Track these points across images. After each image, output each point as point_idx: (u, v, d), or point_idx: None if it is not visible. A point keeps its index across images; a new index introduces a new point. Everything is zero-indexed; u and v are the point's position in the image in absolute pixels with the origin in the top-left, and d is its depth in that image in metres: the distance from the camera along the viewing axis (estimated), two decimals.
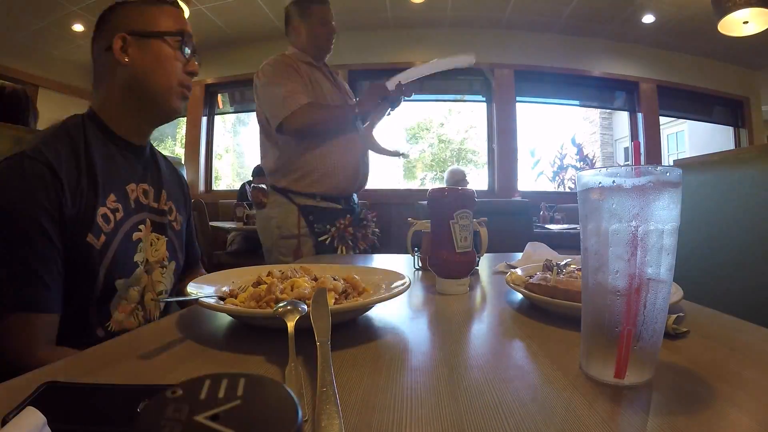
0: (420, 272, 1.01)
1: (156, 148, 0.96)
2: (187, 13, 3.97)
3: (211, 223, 3.74)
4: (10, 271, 0.65)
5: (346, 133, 1.59)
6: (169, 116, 0.86)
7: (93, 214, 0.72)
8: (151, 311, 0.85)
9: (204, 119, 5.37)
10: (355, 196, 1.72)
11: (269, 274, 0.67)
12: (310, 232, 1.54)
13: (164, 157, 0.98)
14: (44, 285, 0.66)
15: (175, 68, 0.83)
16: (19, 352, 0.64)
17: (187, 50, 0.84)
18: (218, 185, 5.73)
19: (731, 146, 5.04)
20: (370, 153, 1.69)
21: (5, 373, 0.40)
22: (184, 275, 1.02)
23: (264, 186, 1.71)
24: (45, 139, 0.72)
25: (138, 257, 0.80)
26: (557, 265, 0.74)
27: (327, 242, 1.54)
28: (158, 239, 0.86)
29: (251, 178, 4.33)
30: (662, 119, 5.19)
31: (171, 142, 7.36)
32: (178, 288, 0.93)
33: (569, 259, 0.80)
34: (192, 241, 1.04)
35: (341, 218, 1.58)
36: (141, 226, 0.82)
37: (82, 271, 0.71)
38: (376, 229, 1.71)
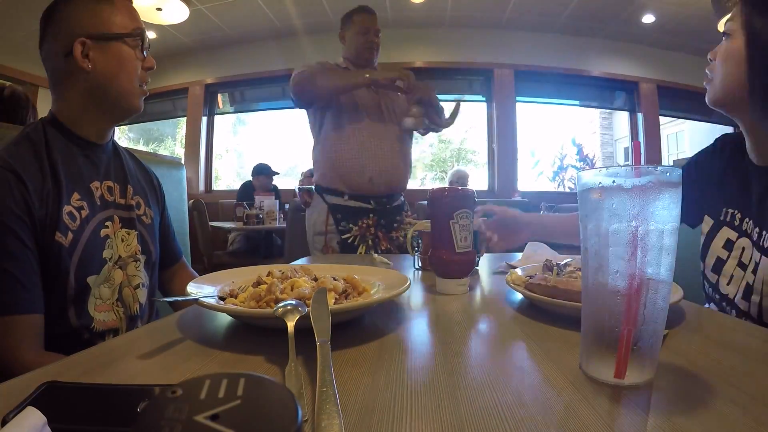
0: (420, 272, 1.01)
1: (118, 143, 0.95)
2: (186, 14, 3.99)
3: (211, 223, 3.74)
4: None
5: (377, 135, 1.61)
6: (131, 115, 0.86)
7: (59, 213, 0.73)
8: (131, 305, 0.85)
9: (204, 119, 5.37)
10: (400, 197, 1.74)
11: (269, 274, 0.67)
12: (336, 229, 1.62)
13: (130, 153, 0.98)
14: (22, 286, 0.67)
15: (137, 69, 0.83)
16: (4, 355, 0.64)
17: (141, 48, 0.84)
18: (218, 185, 5.73)
19: None
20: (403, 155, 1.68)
21: (3, 375, 0.40)
22: (168, 272, 1.02)
23: (312, 187, 1.76)
24: (8, 147, 0.74)
25: (106, 254, 0.81)
26: (557, 265, 0.74)
27: (349, 241, 1.59)
28: (129, 234, 0.87)
29: (251, 178, 4.34)
30: (662, 119, 5.20)
31: (171, 142, 7.36)
32: (152, 283, 0.94)
33: (569, 259, 0.80)
34: (169, 235, 1.04)
35: (365, 218, 1.61)
36: (108, 223, 0.82)
37: (54, 270, 0.72)
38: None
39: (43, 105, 3.70)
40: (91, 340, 0.77)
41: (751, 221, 0.77)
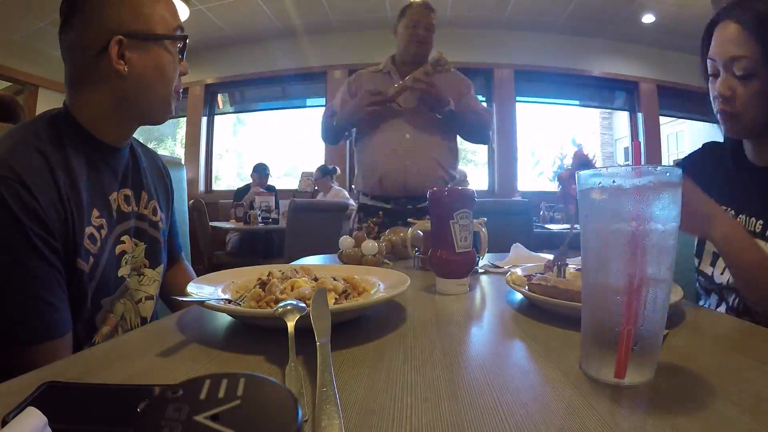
0: (420, 272, 1.01)
1: (137, 140, 0.88)
2: (186, 13, 3.98)
3: (211, 223, 3.74)
4: (20, 304, 0.60)
5: (387, 137, 1.62)
6: (163, 121, 0.80)
7: (81, 237, 0.66)
8: (131, 321, 0.80)
9: (204, 119, 5.37)
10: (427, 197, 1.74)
11: (269, 274, 0.67)
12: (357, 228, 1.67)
13: (143, 147, 0.90)
14: (54, 309, 0.63)
15: (175, 75, 0.75)
16: None
17: (181, 50, 0.76)
18: (218, 185, 5.73)
19: None
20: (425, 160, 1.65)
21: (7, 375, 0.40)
22: (167, 271, 0.97)
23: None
24: (14, 147, 0.63)
25: (122, 271, 0.76)
26: (557, 265, 0.74)
27: None
28: (137, 245, 0.81)
29: (251, 180, 4.36)
30: (662, 119, 5.20)
31: (171, 142, 7.36)
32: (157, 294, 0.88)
33: (552, 258, 0.81)
34: (173, 232, 0.99)
35: (374, 217, 1.62)
36: (124, 238, 0.77)
37: (74, 295, 0.67)
38: None
39: (44, 105, 3.70)
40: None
41: (750, 217, 0.80)
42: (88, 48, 0.69)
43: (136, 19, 0.70)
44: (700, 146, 0.96)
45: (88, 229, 0.68)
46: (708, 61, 0.78)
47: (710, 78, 0.79)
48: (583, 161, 0.80)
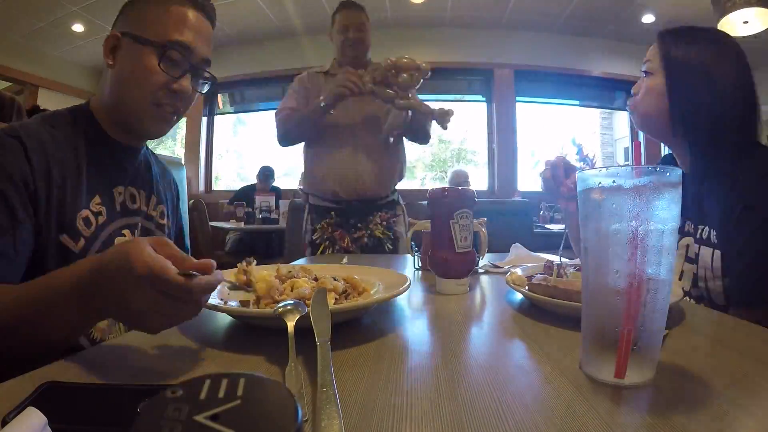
0: (420, 272, 1.01)
1: (151, 149, 0.91)
2: None
3: (211, 223, 3.74)
4: None
5: (327, 134, 1.60)
6: (145, 136, 0.79)
7: (73, 216, 0.68)
8: None
9: (204, 119, 5.37)
10: (397, 195, 1.73)
11: (278, 270, 0.67)
12: (311, 228, 1.68)
13: (157, 158, 0.93)
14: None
15: (153, 82, 0.72)
16: None
17: (175, 66, 0.73)
18: (218, 185, 5.73)
19: None
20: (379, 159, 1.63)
21: (4, 373, 0.40)
22: None
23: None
24: (29, 123, 0.69)
25: None
26: (557, 265, 0.74)
27: (317, 241, 1.64)
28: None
29: (256, 181, 4.38)
30: None
31: (171, 142, 7.34)
32: None
33: (552, 258, 0.81)
34: (182, 235, 1.00)
35: (328, 217, 1.64)
36: (126, 231, 0.77)
37: None
38: (382, 235, 1.65)
39: (44, 105, 3.70)
40: (84, 346, 0.71)
41: (690, 222, 0.86)
42: (105, 41, 0.74)
43: (138, 22, 0.73)
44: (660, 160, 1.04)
45: (84, 212, 0.70)
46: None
47: None
48: (557, 168, 0.90)
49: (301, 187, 1.79)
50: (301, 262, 1.11)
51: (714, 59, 0.80)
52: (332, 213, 1.63)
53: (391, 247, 1.65)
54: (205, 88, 0.83)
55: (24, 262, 0.64)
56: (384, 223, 1.66)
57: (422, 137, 1.70)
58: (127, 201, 0.79)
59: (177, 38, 0.72)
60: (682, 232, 0.88)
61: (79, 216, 0.69)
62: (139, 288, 0.41)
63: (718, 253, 0.78)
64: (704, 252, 0.81)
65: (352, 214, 1.64)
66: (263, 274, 0.60)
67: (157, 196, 0.87)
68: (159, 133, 0.78)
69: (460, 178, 4.21)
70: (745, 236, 0.74)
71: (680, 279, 0.86)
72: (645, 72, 0.88)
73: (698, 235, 0.84)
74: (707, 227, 0.82)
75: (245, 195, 4.23)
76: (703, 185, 0.84)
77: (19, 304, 0.52)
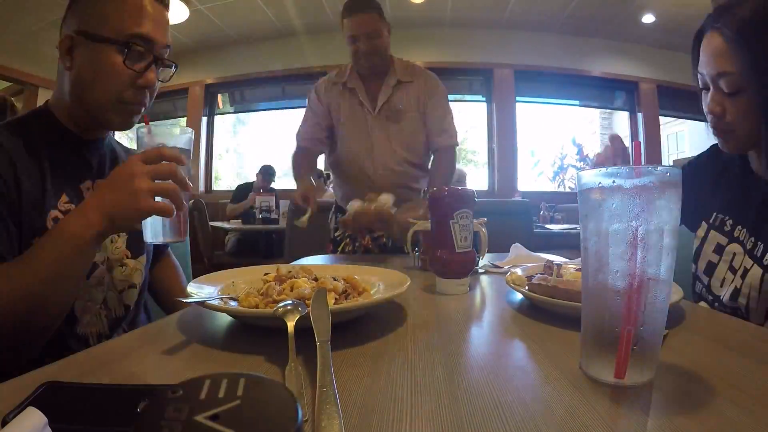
0: (420, 272, 1.01)
1: (115, 138, 0.88)
2: (186, 14, 3.98)
3: (211, 223, 3.74)
4: None
5: (354, 143, 1.62)
6: (119, 128, 0.77)
7: (44, 218, 0.67)
8: (115, 309, 0.80)
9: (204, 119, 5.37)
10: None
11: (277, 270, 0.67)
12: (335, 227, 1.73)
13: (123, 146, 0.91)
14: None
15: (118, 81, 0.70)
16: None
17: (139, 59, 0.71)
18: (218, 185, 5.73)
19: None
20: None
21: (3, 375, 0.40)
22: (153, 265, 0.96)
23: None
24: None
25: (98, 257, 0.75)
26: (557, 265, 0.74)
27: (338, 237, 1.68)
28: (118, 236, 0.81)
29: (254, 179, 4.37)
30: (662, 119, 5.20)
31: None
32: (143, 284, 0.87)
33: (553, 259, 0.80)
34: None
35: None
36: None
37: None
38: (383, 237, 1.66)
39: None
40: (72, 346, 0.71)
41: (745, 229, 0.78)
42: (60, 43, 0.72)
43: (92, 19, 0.70)
44: (708, 147, 0.93)
45: (53, 212, 0.69)
46: (698, 74, 0.76)
47: (702, 91, 0.77)
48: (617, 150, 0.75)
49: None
50: (301, 262, 1.11)
51: None
52: None
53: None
54: (169, 75, 0.80)
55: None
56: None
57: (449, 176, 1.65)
58: None
59: (137, 31, 0.69)
60: (726, 233, 0.80)
61: (49, 217, 0.68)
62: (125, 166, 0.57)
63: None
64: (754, 272, 0.72)
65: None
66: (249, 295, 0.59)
67: None
68: (125, 127, 0.76)
69: (459, 177, 4.21)
70: None
71: (720, 286, 0.80)
72: (732, 93, 0.70)
73: (754, 252, 0.74)
74: (762, 244, 0.73)
75: (243, 191, 4.24)
76: None
77: (30, 262, 0.58)
